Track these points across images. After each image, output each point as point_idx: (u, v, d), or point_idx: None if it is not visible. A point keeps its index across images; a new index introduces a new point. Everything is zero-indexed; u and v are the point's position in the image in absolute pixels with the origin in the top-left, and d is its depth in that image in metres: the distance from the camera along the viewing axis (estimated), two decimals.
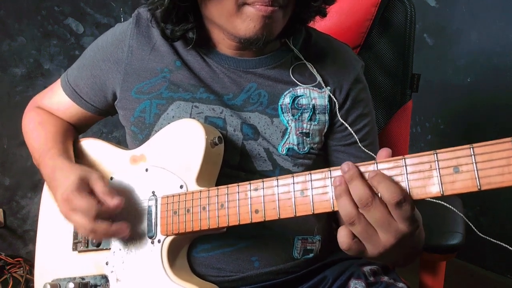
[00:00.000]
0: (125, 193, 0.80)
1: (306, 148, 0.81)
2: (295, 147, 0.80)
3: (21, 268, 1.78)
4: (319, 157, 0.84)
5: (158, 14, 0.78)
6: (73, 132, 0.95)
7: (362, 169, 0.54)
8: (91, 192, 0.73)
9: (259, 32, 0.70)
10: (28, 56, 1.90)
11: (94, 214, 0.69)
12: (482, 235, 0.61)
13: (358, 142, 0.81)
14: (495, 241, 0.57)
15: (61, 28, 1.97)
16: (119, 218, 0.76)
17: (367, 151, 0.81)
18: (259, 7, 0.67)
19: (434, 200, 0.68)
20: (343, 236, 0.55)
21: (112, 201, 0.70)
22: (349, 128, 0.82)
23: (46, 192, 0.93)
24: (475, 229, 0.61)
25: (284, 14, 0.72)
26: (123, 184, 0.81)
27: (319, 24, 0.86)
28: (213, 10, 0.72)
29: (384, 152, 0.55)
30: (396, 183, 0.51)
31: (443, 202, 0.72)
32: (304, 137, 0.81)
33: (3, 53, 1.85)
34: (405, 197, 0.50)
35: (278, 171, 0.80)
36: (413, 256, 0.67)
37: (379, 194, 0.52)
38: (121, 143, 0.89)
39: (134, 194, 0.78)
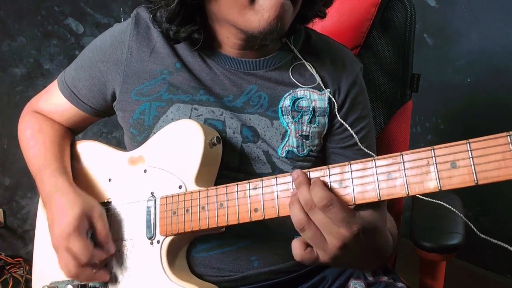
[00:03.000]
0: (123, 195, 0.80)
1: (305, 151, 0.81)
2: (295, 150, 0.80)
3: (21, 268, 1.78)
4: (317, 160, 0.84)
5: (160, 14, 0.77)
6: (70, 138, 0.94)
7: (360, 166, 0.55)
8: (89, 229, 0.74)
9: (273, 22, 0.68)
10: (28, 56, 1.91)
11: (85, 261, 0.72)
12: (482, 235, 0.61)
13: (358, 142, 0.81)
14: (495, 241, 0.57)
15: (61, 28, 1.97)
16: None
17: (367, 150, 0.81)
18: None
19: (435, 201, 0.68)
20: (296, 248, 0.58)
21: (109, 248, 0.75)
22: (348, 128, 0.81)
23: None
24: (476, 230, 0.61)
25: (294, 9, 0.71)
26: (122, 185, 0.81)
27: (320, 24, 0.86)
28: (224, 4, 0.71)
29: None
30: (325, 189, 0.54)
31: (444, 203, 0.71)
32: (304, 140, 0.80)
33: (3, 53, 1.85)
34: (330, 201, 0.53)
35: (277, 173, 0.78)
36: (379, 259, 0.68)
37: None
38: (121, 143, 0.89)
39: (132, 195, 0.78)
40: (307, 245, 0.58)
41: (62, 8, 1.96)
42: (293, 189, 0.60)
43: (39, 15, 1.91)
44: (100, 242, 0.74)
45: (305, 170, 0.58)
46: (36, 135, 0.89)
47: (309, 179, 0.57)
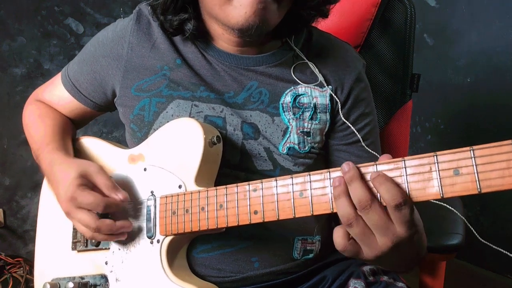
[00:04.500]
0: None
1: (307, 148, 0.80)
2: (296, 146, 0.80)
3: (21, 268, 1.78)
4: (319, 157, 0.84)
5: (158, 7, 0.78)
6: (71, 127, 0.94)
7: (363, 170, 0.54)
8: (94, 187, 0.73)
9: (251, 19, 0.69)
10: (28, 56, 1.90)
11: (101, 210, 0.70)
12: (483, 240, 0.60)
13: (361, 140, 0.81)
14: (496, 247, 0.57)
15: (61, 28, 1.97)
16: (117, 218, 0.77)
17: (369, 149, 0.81)
18: None
19: (436, 202, 0.68)
20: (339, 237, 0.55)
21: (119, 195, 0.71)
22: (351, 126, 0.81)
23: (45, 191, 0.93)
24: (477, 235, 0.61)
25: (279, 6, 0.71)
26: (122, 183, 0.80)
27: (319, 24, 0.86)
28: (207, 1, 0.72)
29: (385, 158, 0.54)
30: (398, 186, 0.51)
31: (445, 204, 0.71)
32: (305, 136, 0.80)
33: (3, 53, 1.85)
34: (405, 200, 0.50)
35: (278, 170, 0.79)
36: (413, 262, 0.66)
37: (378, 196, 0.52)
38: (121, 143, 0.89)
39: (132, 193, 0.78)
40: (350, 235, 0.55)
41: (62, 8, 1.96)
42: (294, 191, 0.58)
43: (39, 15, 1.91)
44: (108, 194, 0.72)
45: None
46: (39, 119, 0.91)
47: (362, 174, 0.53)
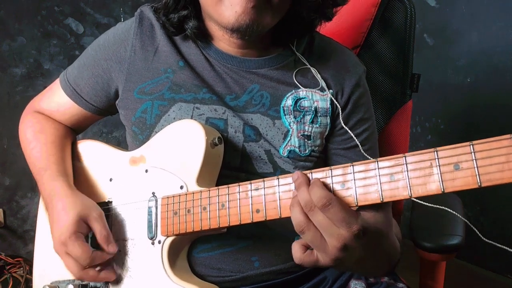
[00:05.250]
0: (124, 194, 0.80)
1: (307, 151, 0.81)
2: (297, 149, 0.80)
3: (21, 268, 1.78)
4: (319, 160, 0.84)
5: (161, 9, 0.80)
6: (70, 137, 0.93)
7: (362, 167, 0.55)
8: (89, 231, 0.75)
9: (241, 18, 0.70)
10: (28, 56, 1.90)
11: (86, 264, 0.72)
12: (487, 240, 0.60)
13: (359, 146, 0.81)
14: (500, 245, 0.57)
15: (61, 28, 1.97)
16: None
17: (366, 155, 0.81)
18: None
19: (437, 206, 0.68)
20: (295, 251, 0.58)
21: (109, 248, 0.74)
22: (349, 131, 0.81)
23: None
24: (480, 235, 0.60)
25: (272, 7, 0.71)
26: (123, 185, 0.81)
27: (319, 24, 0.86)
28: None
29: None
30: (324, 188, 0.54)
31: (445, 208, 0.71)
32: (306, 140, 0.80)
33: (3, 53, 1.85)
34: (329, 201, 0.53)
35: (278, 173, 0.79)
36: (380, 265, 0.67)
37: None
38: (121, 143, 0.89)
39: (134, 195, 0.78)
40: (307, 248, 0.58)
41: (62, 8, 1.96)
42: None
43: (39, 15, 1.91)
44: (100, 244, 0.74)
45: (307, 172, 0.58)
46: (37, 136, 0.89)
47: (309, 180, 0.57)
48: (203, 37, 0.82)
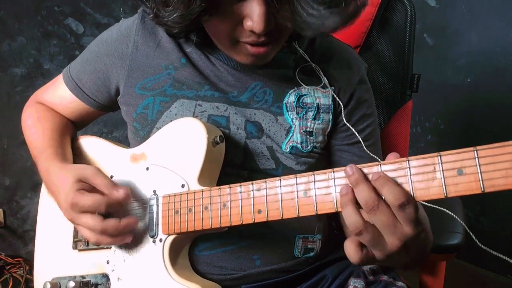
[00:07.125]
0: None
1: (309, 147, 0.81)
2: (299, 145, 0.80)
3: (21, 268, 1.78)
4: (321, 156, 0.84)
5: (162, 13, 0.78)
6: (71, 129, 0.94)
7: (366, 170, 0.54)
8: (93, 189, 0.72)
9: (253, 61, 0.73)
10: (28, 56, 1.90)
11: (104, 209, 0.69)
12: (482, 246, 0.61)
13: (362, 143, 0.81)
14: (496, 253, 0.57)
15: (61, 28, 1.97)
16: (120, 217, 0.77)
17: (370, 153, 0.82)
18: (250, 48, 0.68)
19: (437, 207, 0.68)
20: (353, 252, 0.54)
21: (119, 193, 0.70)
22: (351, 128, 0.82)
23: (45, 191, 0.93)
24: (476, 240, 0.61)
25: (276, 46, 0.72)
26: (124, 183, 0.80)
27: None
28: (213, 39, 0.74)
29: (392, 157, 0.54)
30: (399, 185, 0.51)
31: (446, 210, 0.72)
32: (308, 136, 0.81)
33: (3, 53, 1.85)
34: (408, 200, 0.50)
35: (281, 169, 0.80)
36: (420, 259, 0.66)
37: (383, 197, 0.52)
38: (121, 143, 0.89)
39: (135, 193, 0.78)
40: (361, 246, 0.54)
41: (62, 8, 1.96)
42: (298, 190, 0.59)
43: (39, 15, 1.91)
44: (108, 193, 0.71)
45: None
46: (38, 122, 0.90)
47: (366, 175, 0.53)
48: (206, 44, 0.81)
